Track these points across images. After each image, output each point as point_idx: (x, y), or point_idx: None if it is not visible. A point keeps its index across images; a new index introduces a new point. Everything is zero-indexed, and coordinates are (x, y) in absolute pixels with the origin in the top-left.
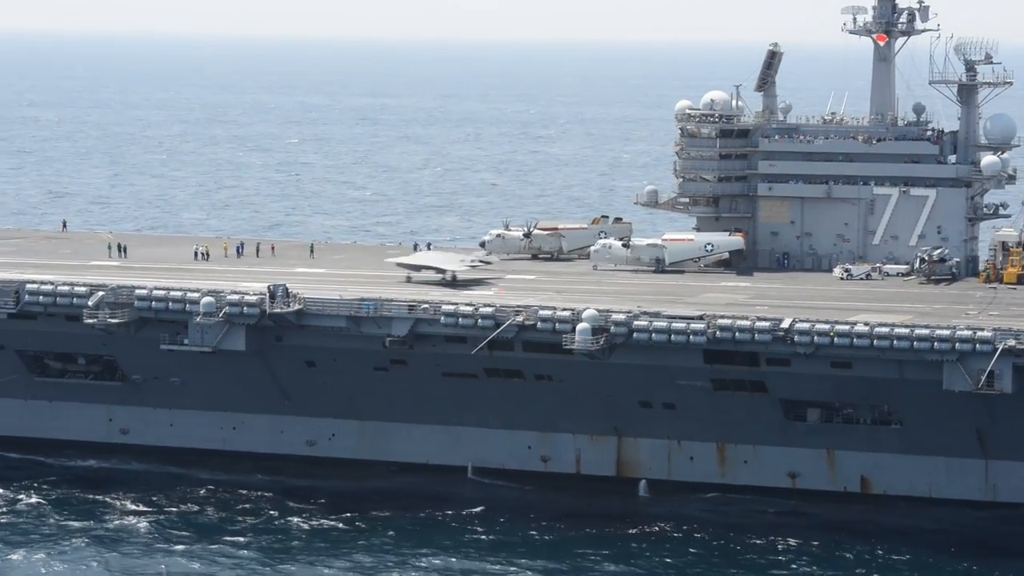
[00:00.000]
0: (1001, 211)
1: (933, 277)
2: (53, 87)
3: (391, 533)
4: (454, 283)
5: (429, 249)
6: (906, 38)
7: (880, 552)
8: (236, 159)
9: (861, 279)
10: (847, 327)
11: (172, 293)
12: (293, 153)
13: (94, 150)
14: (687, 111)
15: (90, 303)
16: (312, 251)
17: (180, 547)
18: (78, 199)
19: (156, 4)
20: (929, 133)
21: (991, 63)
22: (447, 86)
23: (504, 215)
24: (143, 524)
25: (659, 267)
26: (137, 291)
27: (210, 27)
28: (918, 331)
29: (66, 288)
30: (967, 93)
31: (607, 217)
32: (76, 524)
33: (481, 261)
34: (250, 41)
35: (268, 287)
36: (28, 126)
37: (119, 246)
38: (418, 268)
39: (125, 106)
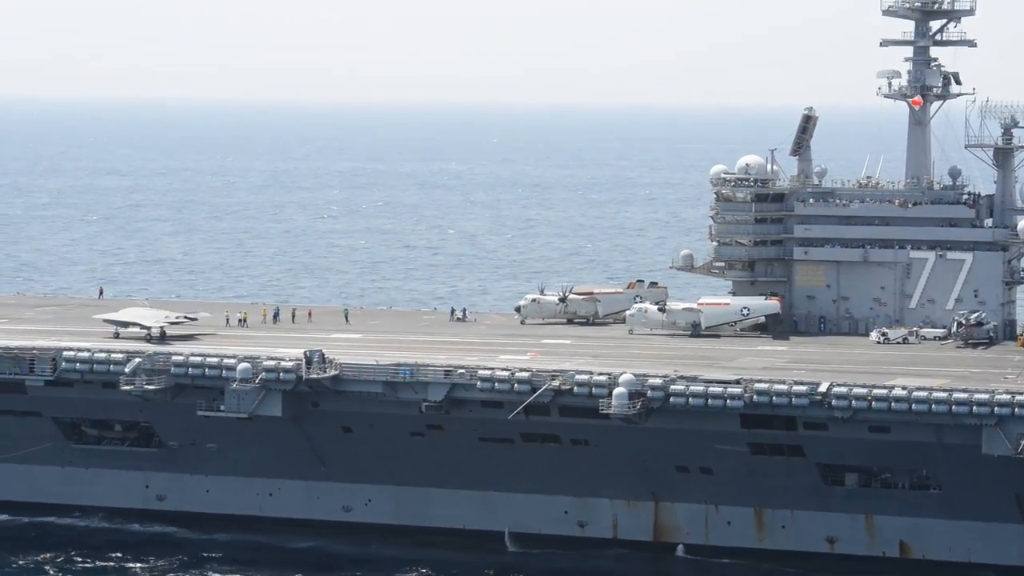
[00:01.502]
0: None
1: (970, 341)
2: (107, 154)
3: None
4: (162, 339)
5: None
6: (941, 102)
7: None
8: (308, 226)
9: (898, 343)
10: (885, 391)
11: (208, 359)
12: (356, 220)
13: (169, 218)
14: (722, 175)
15: (127, 370)
16: (347, 317)
17: None
18: (154, 267)
19: (187, 73)
20: (965, 197)
21: (1016, 127)
22: (497, 150)
23: (584, 278)
24: None
25: (695, 331)
26: (173, 358)
27: (238, 94)
28: (956, 395)
29: (103, 355)
30: (1003, 157)
31: (643, 281)
32: None
33: (187, 317)
34: (293, 106)
35: (304, 353)
36: (96, 193)
37: None
38: (125, 324)
39: (188, 172)
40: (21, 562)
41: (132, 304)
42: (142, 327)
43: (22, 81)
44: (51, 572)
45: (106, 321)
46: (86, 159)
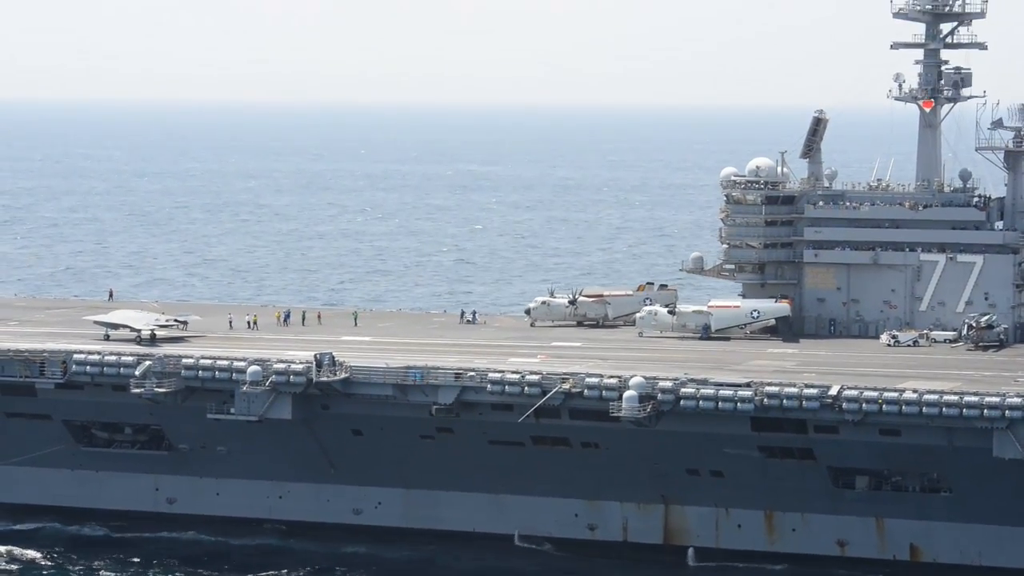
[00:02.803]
0: None
1: (981, 344)
2: (133, 156)
3: None
4: (152, 341)
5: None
6: (952, 104)
7: None
8: (359, 228)
9: (908, 346)
10: (896, 394)
11: (219, 362)
12: (391, 222)
13: (200, 220)
14: (732, 178)
15: (137, 373)
16: (356, 320)
17: None
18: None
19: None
20: (976, 199)
21: (1003, 127)
22: (520, 151)
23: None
24: None
25: (705, 334)
26: (184, 360)
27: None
28: (967, 398)
29: (113, 358)
30: (1014, 159)
31: (652, 283)
32: None
33: (176, 320)
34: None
35: (314, 355)
36: (125, 194)
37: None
38: (115, 326)
39: (209, 175)
40: (31, 565)
41: (134, 307)
42: (132, 329)
43: (32, 83)
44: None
45: (96, 323)
46: (108, 161)
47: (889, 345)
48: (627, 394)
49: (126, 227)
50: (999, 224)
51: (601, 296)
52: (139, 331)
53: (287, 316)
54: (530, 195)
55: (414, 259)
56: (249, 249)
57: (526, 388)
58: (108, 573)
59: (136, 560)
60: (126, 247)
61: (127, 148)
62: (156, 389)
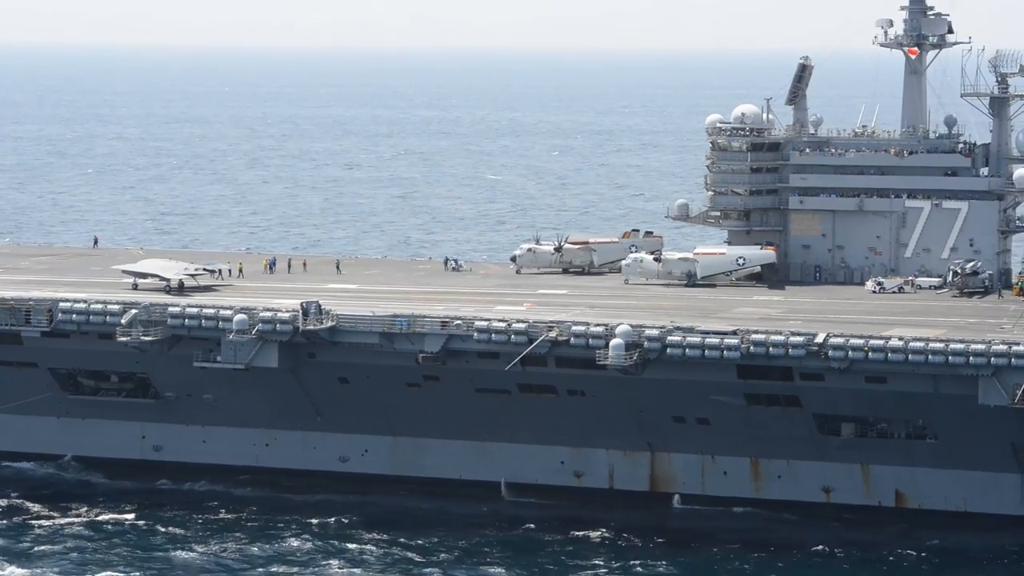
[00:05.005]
0: None
1: (966, 290)
2: (112, 101)
3: (424, 549)
4: (180, 290)
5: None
6: (937, 51)
7: (914, 567)
8: (339, 175)
9: (893, 292)
10: (881, 342)
11: (205, 310)
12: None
13: (186, 167)
14: (718, 124)
15: (123, 321)
16: (339, 267)
17: (210, 564)
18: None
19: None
20: (961, 146)
21: (1012, 75)
22: (501, 97)
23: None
24: (172, 541)
25: (690, 281)
26: (170, 309)
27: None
28: (953, 346)
29: (99, 306)
30: (999, 106)
31: (638, 231)
32: (107, 543)
33: (206, 269)
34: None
35: (301, 304)
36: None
37: None
38: (144, 275)
39: (197, 122)
40: (17, 513)
41: (128, 254)
42: (161, 278)
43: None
44: (43, 523)
45: (124, 272)
46: (123, 107)
47: (874, 292)
48: (613, 342)
49: (152, 176)
50: (984, 170)
51: (587, 243)
52: (168, 280)
53: (272, 263)
54: (556, 141)
55: (464, 207)
56: (291, 196)
57: (513, 336)
58: (95, 520)
59: (125, 506)
60: (152, 195)
61: (124, 94)
62: (142, 337)
